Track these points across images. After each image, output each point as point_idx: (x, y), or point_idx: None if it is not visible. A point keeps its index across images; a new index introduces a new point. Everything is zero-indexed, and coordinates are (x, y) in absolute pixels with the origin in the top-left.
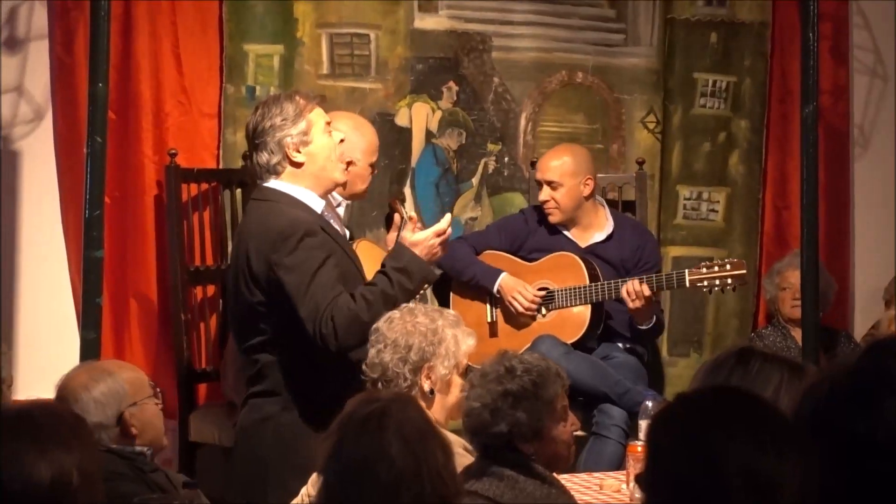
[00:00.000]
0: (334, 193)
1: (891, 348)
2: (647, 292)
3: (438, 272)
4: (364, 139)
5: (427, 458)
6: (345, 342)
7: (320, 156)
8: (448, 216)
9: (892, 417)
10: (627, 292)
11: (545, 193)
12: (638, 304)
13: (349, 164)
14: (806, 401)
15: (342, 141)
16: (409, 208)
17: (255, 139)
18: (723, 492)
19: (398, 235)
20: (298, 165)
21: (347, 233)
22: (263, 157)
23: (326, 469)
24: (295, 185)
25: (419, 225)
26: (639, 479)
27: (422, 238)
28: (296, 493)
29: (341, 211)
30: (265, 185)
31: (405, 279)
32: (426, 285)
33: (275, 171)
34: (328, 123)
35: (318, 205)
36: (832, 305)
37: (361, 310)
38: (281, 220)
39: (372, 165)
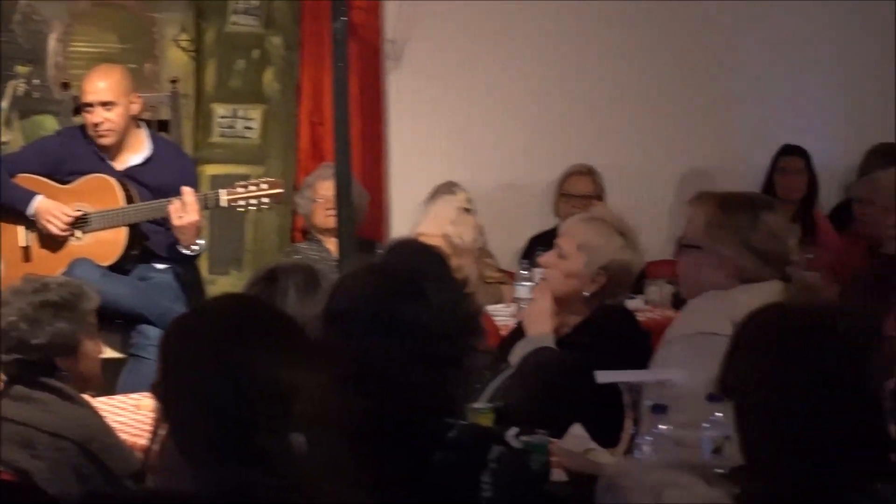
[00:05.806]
0: None
1: (410, 243)
2: (194, 214)
3: None
4: None
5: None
6: None
7: None
8: None
9: (438, 304)
10: (174, 209)
11: (98, 115)
12: (185, 220)
13: None
14: (337, 301)
15: None
16: None
17: None
18: (240, 401)
19: None
20: None
21: None
22: None
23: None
24: None
25: None
26: (154, 389)
27: None
28: None
29: None
30: None
31: None
32: None
33: None
34: None
35: None
36: (366, 216)
37: None
38: None
39: None
